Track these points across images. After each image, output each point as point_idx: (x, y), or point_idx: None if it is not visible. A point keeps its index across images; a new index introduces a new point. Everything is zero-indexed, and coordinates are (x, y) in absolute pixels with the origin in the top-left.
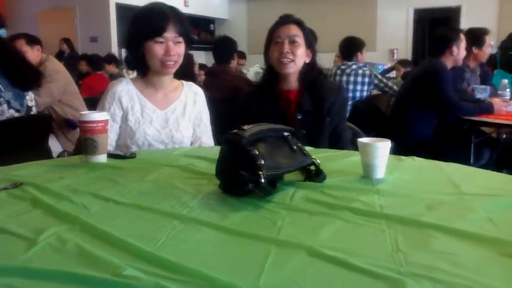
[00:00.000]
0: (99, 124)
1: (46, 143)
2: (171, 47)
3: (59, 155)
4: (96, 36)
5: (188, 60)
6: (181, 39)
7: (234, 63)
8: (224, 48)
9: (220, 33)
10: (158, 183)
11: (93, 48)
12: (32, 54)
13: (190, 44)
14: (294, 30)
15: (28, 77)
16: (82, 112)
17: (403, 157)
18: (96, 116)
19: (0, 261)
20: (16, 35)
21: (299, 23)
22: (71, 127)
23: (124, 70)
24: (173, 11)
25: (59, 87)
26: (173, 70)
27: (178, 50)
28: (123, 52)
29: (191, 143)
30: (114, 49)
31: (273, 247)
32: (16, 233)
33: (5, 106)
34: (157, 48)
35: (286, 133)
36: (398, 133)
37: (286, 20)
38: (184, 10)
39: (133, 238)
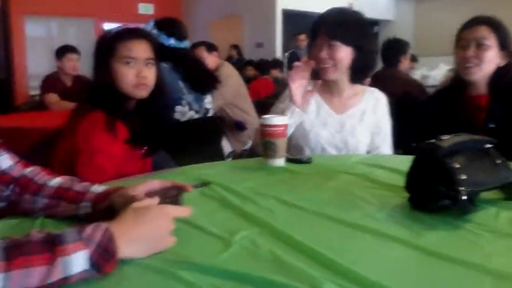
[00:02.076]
0: (279, 128)
1: (219, 143)
2: (322, 49)
3: (228, 155)
4: (262, 42)
5: None
6: (335, 42)
7: (403, 66)
8: (391, 51)
9: (384, 35)
10: (338, 190)
11: (259, 53)
12: (210, 60)
13: (361, 49)
14: (483, 32)
15: (206, 82)
16: (264, 116)
17: None
18: (277, 120)
19: (203, 260)
20: (197, 43)
21: (492, 24)
22: (240, 128)
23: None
24: (330, 15)
25: (232, 91)
26: (330, 74)
27: (333, 53)
28: (286, 57)
29: (368, 152)
30: (279, 54)
31: (488, 278)
32: (212, 232)
33: (186, 107)
34: (314, 50)
35: (487, 145)
36: None
37: (473, 21)
38: None
39: (325, 249)
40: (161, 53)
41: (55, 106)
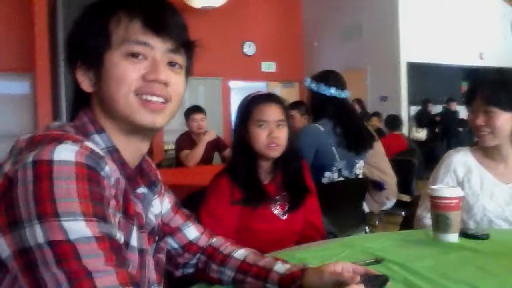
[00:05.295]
0: (453, 201)
1: (361, 204)
2: (478, 116)
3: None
4: (386, 95)
5: None
6: (492, 108)
7: None
8: None
9: None
10: None
11: (383, 106)
12: None
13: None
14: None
15: (363, 140)
16: (434, 187)
17: None
18: (450, 192)
19: None
20: None
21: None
22: (379, 189)
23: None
24: (486, 78)
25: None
26: (488, 142)
27: (489, 120)
28: (412, 110)
29: None
30: (404, 107)
31: None
32: None
33: (336, 174)
34: (470, 116)
35: None
36: None
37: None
38: (479, 63)
39: None
40: (322, 104)
41: (190, 163)
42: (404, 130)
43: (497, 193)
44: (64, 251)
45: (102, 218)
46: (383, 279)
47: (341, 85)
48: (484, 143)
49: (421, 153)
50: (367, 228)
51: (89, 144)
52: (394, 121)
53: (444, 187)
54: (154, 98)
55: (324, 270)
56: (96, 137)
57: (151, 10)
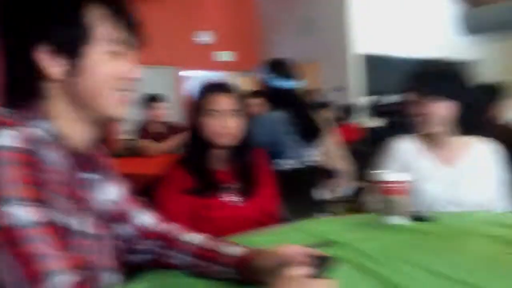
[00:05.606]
0: (399, 185)
1: (314, 191)
2: (412, 105)
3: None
4: (341, 86)
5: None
6: (424, 98)
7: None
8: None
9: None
10: (481, 256)
11: (337, 97)
12: None
13: (456, 102)
14: None
15: (315, 130)
16: (381, 172)
17: None
18: (396, 176)
19: None
20: None
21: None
22: (330, 176)
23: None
24: (420, 70)
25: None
26: (423, 129)
27: (423, 109)
28: (368, 101)
29: (480, 206)
30: (359, 98)
31: None
32: None
33: (288, 162)
34: (406, 105)
35: None
36: None
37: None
38: (433, 55)
39: None
40: (271, 93)
41: (150, 151)
42: (360, 119)
43: (441, 177)
44: (10, 237)
45: (45, 203)
46: (329, 260)
47: (285, 74)
48: (421, 130)
49: (376, 141)
50: (322, 215)
51: (29, 129)
52: (348, 111)
53: (391, 171)
54: (128, 93)
55: (274, 253)
56: (39, 123)
57: (129, 9)
